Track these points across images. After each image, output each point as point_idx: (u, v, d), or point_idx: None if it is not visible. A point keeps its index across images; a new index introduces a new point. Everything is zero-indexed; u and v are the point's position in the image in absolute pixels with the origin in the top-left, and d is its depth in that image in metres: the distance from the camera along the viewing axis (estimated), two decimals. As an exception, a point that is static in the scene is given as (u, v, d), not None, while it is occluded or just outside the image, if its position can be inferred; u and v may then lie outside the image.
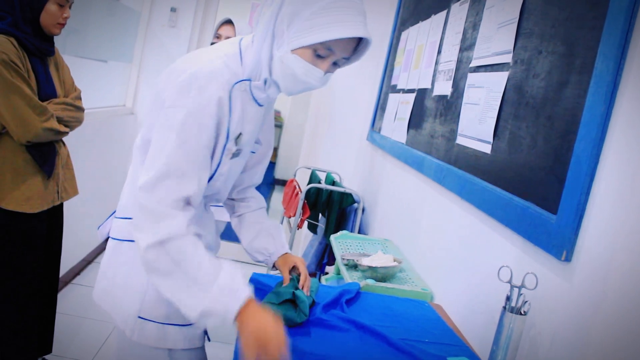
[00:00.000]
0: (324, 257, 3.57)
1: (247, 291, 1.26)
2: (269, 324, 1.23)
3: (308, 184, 3.74)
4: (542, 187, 1.40)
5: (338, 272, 2.78)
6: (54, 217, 2.56)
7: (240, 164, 1.55)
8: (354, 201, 3.35)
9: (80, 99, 2.59)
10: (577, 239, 1.22)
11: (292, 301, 1.54)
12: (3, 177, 2.27)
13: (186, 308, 1.26)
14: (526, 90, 1.59)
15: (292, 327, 1.52)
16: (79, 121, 2.54)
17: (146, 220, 1.28)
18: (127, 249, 1.47)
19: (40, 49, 2.33)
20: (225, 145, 1.39)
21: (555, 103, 1.42)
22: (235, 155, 1.44)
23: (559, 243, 1.25)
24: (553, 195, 1.34)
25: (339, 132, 4.39)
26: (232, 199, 1.77)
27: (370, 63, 4.30)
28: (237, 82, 1.36)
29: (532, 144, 1.50)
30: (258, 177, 1.77)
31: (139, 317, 1.45)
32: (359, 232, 3.33)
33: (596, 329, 1.15)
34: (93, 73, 4.06)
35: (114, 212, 1.61)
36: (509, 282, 1.30)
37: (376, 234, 3.13)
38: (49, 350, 2.67)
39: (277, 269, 1.71)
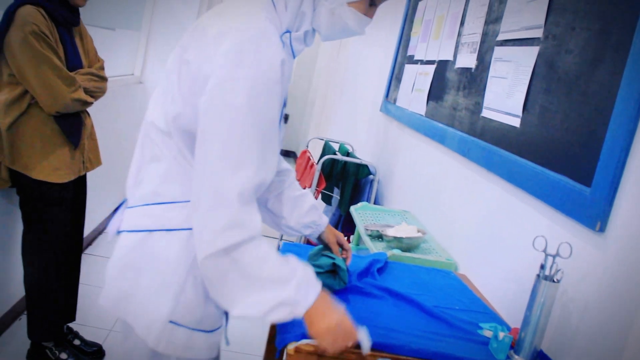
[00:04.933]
0: (338, 228, 3.63)
1: (319, 284, 1.22)
2: (341, 316, 1.22)
3: (321, 155, 3.79)
4: (574, 160, 1.45)
5: (357, 243, 2.84)
6: (79, 187, 2.61)
7: (283, 130, 1.37)
8: (369, 173, 3.40)
9: (103, 69, 2.61)
10: (611, 210, 1.28)
11: (331, 271, 1.60)
12: (33, 147, 2.31)
13: (255, 304, 1.15)
14: (558, 66, 1.63)
15: (331, 293, 1.59)
16: (103, 91, 2.57)
17: (218, 219, 1.12)
18: (163, 240, 1.25)
19: (67, 19, 2.35)
20: (282, 111, 1.23)
21: (589, 79, 1.46)
22: (281, 123, 1.28)
23: (593, 214, 1.31)
24: (586, 169, 1.39)
25: (350, 103, 4.41)
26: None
27: (383, 32, 4.30)
28: (282, 35, 1.23)
29: (564, 119, 1.55)
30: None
31: (171, 321, 1.24)
32: (375, 203, 3.39)
33: (629, 295, 1.21)
34: (101, 41, 4.02)
35: (123, 202, 1.38)
36: (544, 251, 1.36)
37: (392, 205, 3.18)
38: (72, 318, 2.74)
39: (319, 242, 1.69)
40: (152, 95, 1.34)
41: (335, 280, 1.59)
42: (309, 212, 1.58)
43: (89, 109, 2.55)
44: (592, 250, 1.34)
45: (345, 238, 1.71)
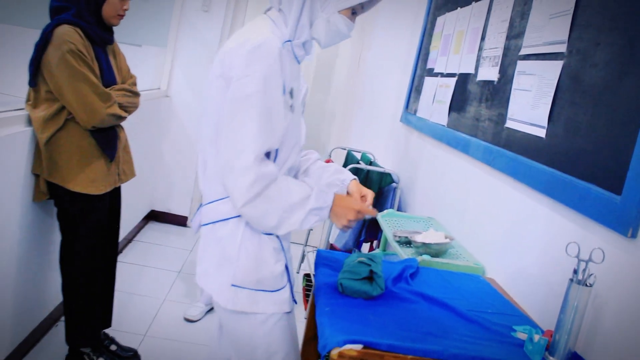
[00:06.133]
0: (361, 234, 3.70)
1: (332, 190, 1.66)
2: (358, 204, 1.64)
3: (344, 164, 3.87)
4: (603, 169, 1.53)
5: (384, 249, 2.92)
6: (114, 197, 2.70)
7: (298, 121, 1.71)
8: (392, 181, 3.47)
9: (135, 84, 2.71)
10: (642, 217, 1.35)
11: (368, 277, 1.68)
12: (70, 161, 2.40)
13: (292, 221, 1.55)
14: (583, 79, 1.70)
15: (368, 299, 1.66)
16: (136, 106, 2.66)
17: (246, 178, 1.48)
18: (220, 228, 1.63)
19: (102, 38, 2.45)
20: (292, 98, 1.59)
21: (616, 92, 1.53)
22: (291, 109, 1.62)
23: (625, 221, 1.38)
24: (616, 177, 1.46)
25: (370, 114, 4.50)
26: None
27: (401, 46, 4.39)
28: (284, 43, 1.57)
29: (591, 130, 1.62)
30: (303, 135, 1.91)
31: (232, 285, 1.60)
32: (398, 211, 3.46)
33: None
34: (128, 57, 4.14)
35: (201, 205, 1.75)
36: (577, 256, 1.43)
37: (415, 212, 3.25)
38: (109, 324, 2.82)
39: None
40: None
41: (372, 286, 1.67)
42: (333, 172, 1.84)
43: (122, 123, 2.64)
44: (624, 255, 1.41)
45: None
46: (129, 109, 2.58)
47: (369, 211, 1.67)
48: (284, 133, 1.58)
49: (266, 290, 1.63)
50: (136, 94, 2.65)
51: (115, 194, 2.71)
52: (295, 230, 1.59)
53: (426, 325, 1.55)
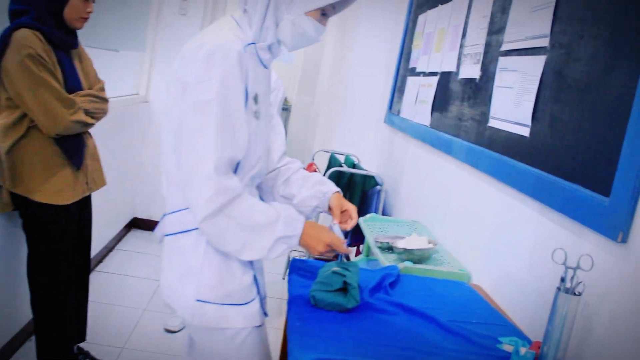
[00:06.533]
0: (347, 239, 3.61)
1: (303, 217, 1.52)
2: (331, 235, 1.55)
3: (327, 167, 3.77)
4: (590, 169, 1.43)
5: (367, 254, 2.82)
6: (83, 208, 2.59)
7: (264, 129, 1.62)
8: (376, 183, 3.38)
9: (104, 90, 2.60)
10: (632, 220, 1.26)
11: (342, 289, 1.58)
12: (33, 170, 2.30)
13: (256, 247, 1.45)
14: (567, 74, 1.61)
15: (343, 312, 1.56)
16: (104, 112, 2.56)
17: (206, 190, 1.39)
18: (182, 239, 1.54)
19: (65, 41, 2.34)
20: (246, 105, 1.47)
21: (601, 87, 1.44)
22: (256, 115, 1.53)
23: (614, 225, 1.29)
24: (604, 178, 1.37)
25: (354, 115, 4.41)
26: (276, 168, 1.82)
27: (384, 45, 4.30)
28: (247, 46, 1.48)
29: (576, 127, 1.53)
30: (281, 141, 1.85)
31: (197, 300, 1.51)
32: (383, 214, 3.37)
33: (654, 307, 1.18)
34: (105, 63, 4.05)
35: (164, 214, 1.66)
36: (564, 263, 1.34)
37: (401, 215, 3.16)
38: (83, 338, 2.71)
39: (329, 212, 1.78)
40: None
41: (347, 298, 1.56)
42: (315, 184, 1.75)
43: (91, 130, 2.53)
44: (615, 261, 1.31)
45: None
46: (96, 115, 2.47)
47: (341, 247, 1.57)
48: (248, 141, 1.49)
49: (234, 304, 1.54)
50: (104, 100, 2.54)
51: (85, 203, 2.60)
52: (262, 258, 1.52)
53: (405, 340, 1.45)
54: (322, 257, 1.56)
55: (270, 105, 1.70)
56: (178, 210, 1.55)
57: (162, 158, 1.59)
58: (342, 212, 1.72)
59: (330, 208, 1.75)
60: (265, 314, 1.66)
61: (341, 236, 1.65)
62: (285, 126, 8.78)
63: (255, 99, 1.51)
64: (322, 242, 1.52)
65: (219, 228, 1.42)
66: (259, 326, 1.60)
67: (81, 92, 2.41)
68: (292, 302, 1.61)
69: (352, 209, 1.73)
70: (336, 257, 1.70)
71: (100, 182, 2.66)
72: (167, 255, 1.60)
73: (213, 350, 1.57)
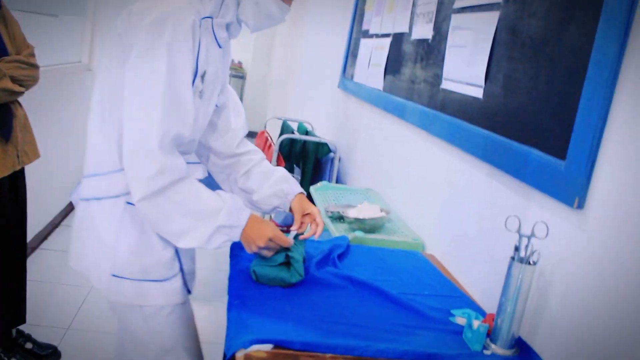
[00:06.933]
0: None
1: (249, 210, 1.42)
2: (274, 230, 1.42)
3: (280, 134, 3.66)
4: (545, 131, 1.35)
5: (321, 225, 2.72)
6: (16, 182, 2.43)
7: (207, 109, 1.52)
8: (329, 151, 3.28)
9: (33, 55, 2.42)
10: (589, 185, 1.18)
11: (285, 263, 1.48)
12: (-43, 144, 2.13)
13: (196, 236, 1.34)
14: (521, 31, 1.52)
15: (286, 287, 1.46)
16: (35, 79, 2.38)
17: (148, 167, 1.28)
18: (97, 207, 1.43)
19: (-15, 4, 2.16)
20: (194, 82, 1.36)
21: (556, 43, 1.35)
22: (201, 94, 1.43)
23: (570, 190, 1.21)
24: (559, 140, 1.28)
25: (308, 81, 4.29)
26: (236, 155, 1.69)
27: (338, 9, 4.17)
28: (203, 19, 1.36)
29: (531, 87, 1.44)
30: (241, 123, 1.71)
31: (113, 275, 1.42)
32: (337, 182, 3.28)
33: (613, 276, 1.11)
34: (44, 29, 3.83)
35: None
36: (518, 231, 1.26)
37: (355, 184, 3.08)
38: (22, 320, 2.57)
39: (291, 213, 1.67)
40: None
41: (290, 272, 1.46)
42: (277, 181, 1.63)
43: (23, 100, 2.36)
44: (571, 228, 1.24)
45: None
46: (25, 82, 2.29)
47: (284, 240, 1.45)
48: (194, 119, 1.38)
49: (153, 280, 1.44)
50: (33, 66, 2.36)
51: (18, 178, 2.43)
52: (200, 247, 1.39)
53: (352, 316, 1.36)
54: (259, 253, 1.44)
55: (220, 88, 1.57)
56: (95, 175, 1.43)
57: (89, 116, 1.46)
58: (305, 215, 1.61)
59: (291, 210, 1.63)
60: (189, 291, 1.56)
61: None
62: (241, 95, 8.63)
63: (203, 77, 1.40)
64: (264, 237, 1.41)
65: (158, 210, 1.32)
66: (183, 304, 1.51)
67: (7, 58, 2.23)
68: (232, 277, 1.50)
69: (316, 212, 1.61)
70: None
71: (34, 155, 2.49)
72: (79, 222, 1.47)
73: (132, 328, 1.49)
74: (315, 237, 1.57)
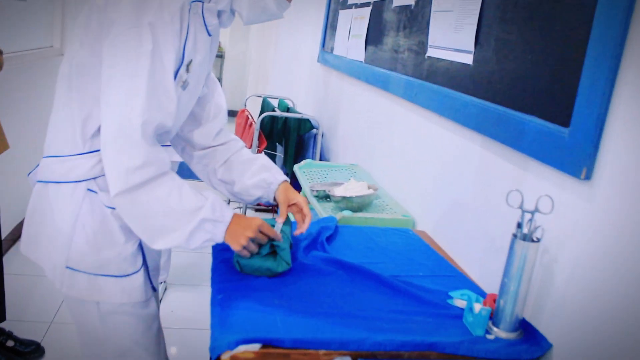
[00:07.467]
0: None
1: (231, 209, 1.31)
2: (257, 219, 1.32)
3: (260, 112, 3.54)
4: (545, 97, 1.25)
5: (305, 205, 2.63)
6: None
7: (189, 101, 1.41)
8: (312, 127, 3.17)
9: (-3, 39, 2.28)
10: (597, 153, 1.08)
11: (271, 252, 1.37)
12: None
13: (175, 233, 1.22)
14: (513, -11, 1.41)
15: (273, 277, 1.36)
16: None
17: (130, 159, 1.18)
18: (54, 191, 1.31)
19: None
20: (178, 71, 1.25)
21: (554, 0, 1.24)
22: (184, 85, 1.31)
23: (576, 160, 1.11)
24: (561, 106, 1.18)
25: (287, 57, 4.17)
26: (213, 146, 1.57)
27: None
28: (193, 2, 1.25)
29: (527, 50, 1.34)
30: (222, 116, 1.58)
31: (67, 267, 1.31)
32: (321, 159, 3.18)
33: (623, 252, 1.03)
34: (10, 12, 3.66)
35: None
36: (520, 207, 1.16)
37: (340, 160, 2.98)
38: (2, 318, 2.47)
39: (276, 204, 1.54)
40: None
41: (277, 261, 1.36)
42: (258, 171, 1.51)
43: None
44: (578, 201, 1.14)
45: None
46: (-12, 68, 2.16)
47: (273, 232, 1.34)
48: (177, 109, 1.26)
49: (111, 276, 1.33)
50: (-3, 51, 2.23)
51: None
52: (179, 246, 1.26)
53: (345, 305, 1.27)
54: (248, 247, 1.31)
55: (203, 81, 1.46)
56: (56, 156, 1.32)
57: (55, 93, 1.35)
58: (291, 205, 1.48)
59: (275, 200, 1.51)
60: (154, 289, 1.46)
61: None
62: (220, 74, 8.49)
63: (188, 66, 1.29)
64: (254, 225, 1.30)
65: (136, 206, 1.21)
66: (145, 301, 1.39)
67: (-35, 43, 2.09)
68: (215, 270, 1.40)
69: (302, 201, 1.48)
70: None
71: (2, 147, 2.36)
72: (33, 205, 1.35)
73: (88, 326, 1.38)
74: (303, 231, 1.46)
